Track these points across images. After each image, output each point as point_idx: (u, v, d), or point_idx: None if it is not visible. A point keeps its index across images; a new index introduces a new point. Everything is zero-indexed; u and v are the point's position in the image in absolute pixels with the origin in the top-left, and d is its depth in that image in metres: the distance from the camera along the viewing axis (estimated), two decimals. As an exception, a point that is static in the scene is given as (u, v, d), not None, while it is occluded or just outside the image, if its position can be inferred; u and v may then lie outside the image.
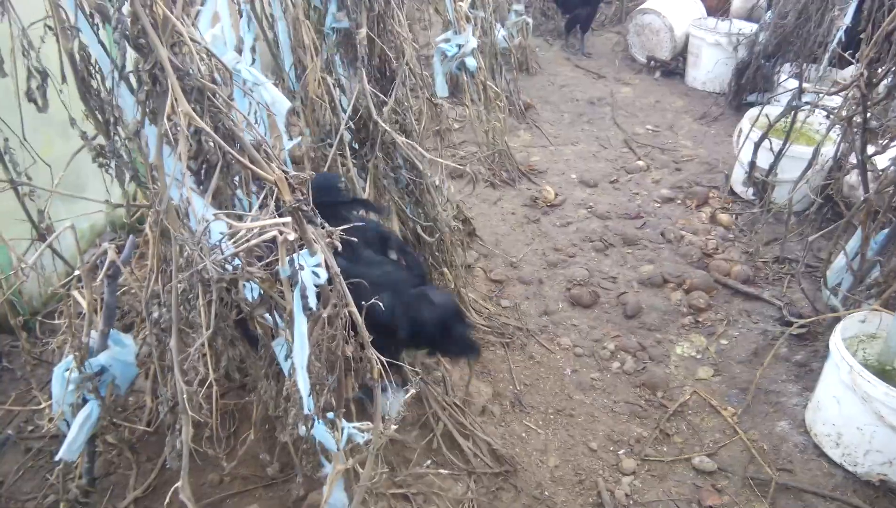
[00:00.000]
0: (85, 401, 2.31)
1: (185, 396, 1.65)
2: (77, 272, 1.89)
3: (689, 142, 5.39)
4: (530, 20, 5.94)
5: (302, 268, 1.64)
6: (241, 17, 2.44)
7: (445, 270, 3.30)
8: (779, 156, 4.07)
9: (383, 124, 2.70)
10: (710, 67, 6.02)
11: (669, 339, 3.44)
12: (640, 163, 4.98)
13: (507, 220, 4.24)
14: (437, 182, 3.30)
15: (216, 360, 1.95)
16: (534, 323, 3.47)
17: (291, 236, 1.54)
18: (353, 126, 2.83)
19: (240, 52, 2.39)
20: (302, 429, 1.85)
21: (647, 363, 3.26)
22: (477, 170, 4.60)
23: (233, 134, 1.53)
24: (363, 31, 2.61)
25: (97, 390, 2.27)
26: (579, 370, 3.20)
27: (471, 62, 4.33)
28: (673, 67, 6.42)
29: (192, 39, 1.42)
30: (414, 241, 3.24)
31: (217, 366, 1.88)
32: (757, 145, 4.11)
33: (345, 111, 2.77)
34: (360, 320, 1.77)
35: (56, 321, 2.40)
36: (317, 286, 1.75)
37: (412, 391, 2.20)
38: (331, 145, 2.74)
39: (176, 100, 1.42)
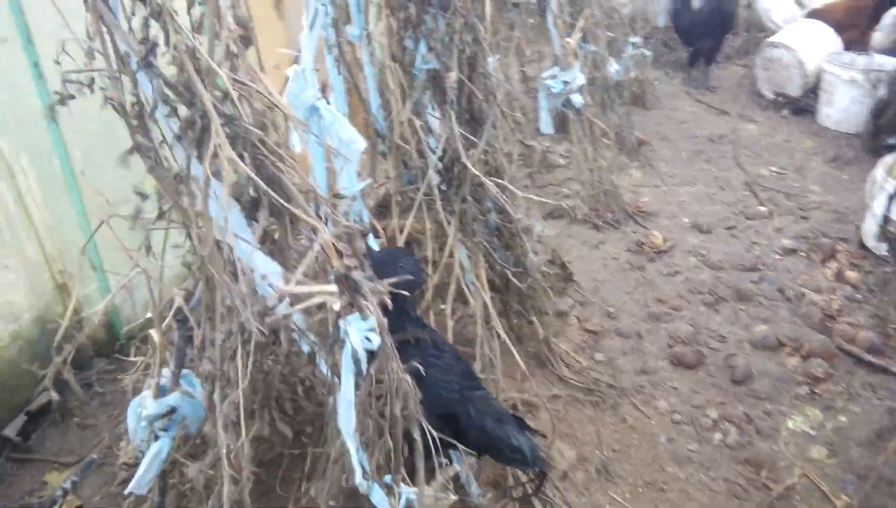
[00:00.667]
0: (157, 437, 2.33)
1: (224, 451, 1.59)
2: (148, 315, 1.89)
3: (817, 187, 4.95)
4: (648, 52, 5.68)
5: (349, 334, 1.55)
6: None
7: (534, 319, 3.14)
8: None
9: (472, 168, 2.59)
10: (844, 106, 5.54)
11: (780, 411, 3.10)
12: (762, 208, 4.61)
13: (609, 265, 4.02)
14: (529, 225, 3.16)
15: (267, 413, 1.90)
16: (629, 381, 3.23)
17: (337, 306, 1.45)
18: (441, 168, 2.75)
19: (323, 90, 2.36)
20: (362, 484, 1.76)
21: (752, 437, 2.95)
22: (579, 210, 4.40)
23: (280, 183, 1.47)
24: (454, 75, 2.51)
25: (167, 428, 2.28)
26: (676, 439, 2.94)
27: (577, 99, 4.17)
28: (803, 105, 5.96)
29: (240, 82, 1.37)
30: (502, 286, 3.11)
31: (263, 419, 1.82)
32: (892, 198, 3.69)
33: (433, 152, 2.68)
34: (413, 391, 1.66)
35: (132, 359, 2.43)
36: (368, 352, 1.66)
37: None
38: (418, 189, 2.66)
39: (220, 146, 1.37)
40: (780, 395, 3.18)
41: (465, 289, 2.77)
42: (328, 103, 2.21)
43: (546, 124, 4.29)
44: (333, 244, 1.48)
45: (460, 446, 2.05)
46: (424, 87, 2.68)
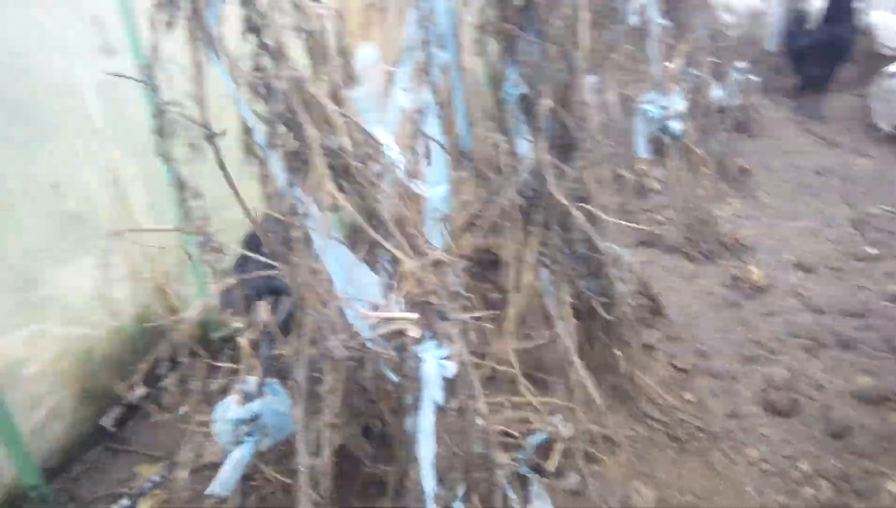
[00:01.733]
0: (241, 441, 2.39)
1: (304, 470, 1.61)
2: (237, 325, 1.94)
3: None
4: (755, 77, 5.46)
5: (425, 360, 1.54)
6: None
7: (617, 351, 3.05)
8: None
9: (559, 197, 2.55)
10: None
11: (881, 471, 2.89)
12: (871, 250, 4.34)
13: (701, 300, 3.87)
14: (618, 254, 3.08)
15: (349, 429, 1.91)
16: (718, 425, 3.09)
17: (414, 334, 1.45)
18: (528, 194, 2.71)
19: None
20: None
21: (848, 497, 2.76)
22: (672, 239, 4.27)
23: (375, 212, 1.48)
24: (545, 102, 2.48)
25: (251, 433, 2.34)
26: (764, 491, 2.79)
27: (675, 125, 4.05)
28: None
29: (344, 116, 1.39)
30: (587, 315, 3.03)
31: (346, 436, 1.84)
32: None
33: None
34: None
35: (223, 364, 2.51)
36: (445, 379, 1.65)
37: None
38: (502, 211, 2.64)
39: (321, 177, 1.39)
40: (882, 454, 2.97)
41: (548, 314, 2.72)
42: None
43: (642, 148, 4.19)
44: (413, 273, 1.48)
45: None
46: (514, 111, 2.65)
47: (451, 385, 1.69)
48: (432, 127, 2.65)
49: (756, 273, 4.00)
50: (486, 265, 3.32)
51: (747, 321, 3.71)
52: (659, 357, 3.45)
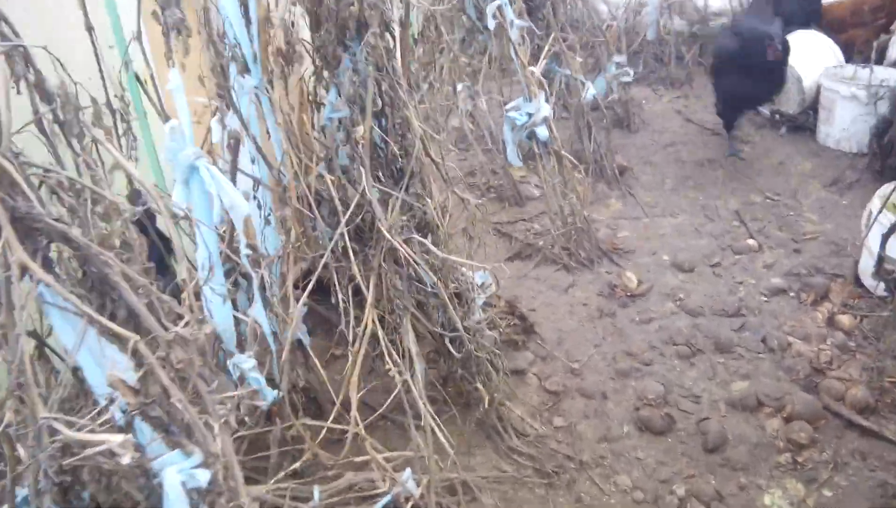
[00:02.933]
0: None
1: None
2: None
3: (814, 215, 4.58)
4: (631, 72, 5.34)
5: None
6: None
7: (479, 385, 2.84)
8: (918, 250, 3.28)
9: (387, 233, 2.30)
10: (845, 124, 5.15)
11: (757, 484, 2.77)
12: (751, 242, 4.26)
13: (577, 312, 3.69)
14: (475, 282, 2.86)
15: None
16: (589, 452, 2.92)
17: (126, 459, 1.17)
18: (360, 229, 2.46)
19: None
20: None
21: (723, 519, 2.63)
22: (548, 249, 4.09)
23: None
24: (360, 130, 2.23)
25: None
26: (635, 523, 2.63)
27: (542, 132, 3.87)
28: (801, 123, 5.56)
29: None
30: (446, 352, 2.81)
31: None
32: (885, 237, 3.33)
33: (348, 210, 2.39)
34: None
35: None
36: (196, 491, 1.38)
37: None
38: (331, 252, 2.38)
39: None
40: (758, 465, 2.85)
41: (392, 358, 2.47)
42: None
43: (513, 156, 4.00)
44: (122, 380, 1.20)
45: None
46: (337, 135, 2.40)
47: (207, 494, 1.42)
48: (248, 160, 2.38)
49: (632, 279, 3.86)
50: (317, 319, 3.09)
51: (622, 331, 3.56)
52: (531, 381, 3.27)
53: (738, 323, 3.58)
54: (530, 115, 3.86)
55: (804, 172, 5.02)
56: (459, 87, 4.52)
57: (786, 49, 4.72)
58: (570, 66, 4.47)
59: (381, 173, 2.52)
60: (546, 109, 3.86)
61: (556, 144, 3.93)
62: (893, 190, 3.52)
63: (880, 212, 3.41)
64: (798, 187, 4.87)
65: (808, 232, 4.38)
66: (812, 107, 5.56)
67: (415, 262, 2.38)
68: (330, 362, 3.23)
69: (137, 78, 2.65)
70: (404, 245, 2.35)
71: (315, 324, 3.12)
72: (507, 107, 3.95)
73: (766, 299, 3.78)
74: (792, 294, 3.82)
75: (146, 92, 2.57)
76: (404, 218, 2.42)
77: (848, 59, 5.87)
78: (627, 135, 5.50)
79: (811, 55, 5.58)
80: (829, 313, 3.62)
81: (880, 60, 5.66)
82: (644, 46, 6.42)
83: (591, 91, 4.60)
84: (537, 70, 3.90)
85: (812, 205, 4.69)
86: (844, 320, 3.55)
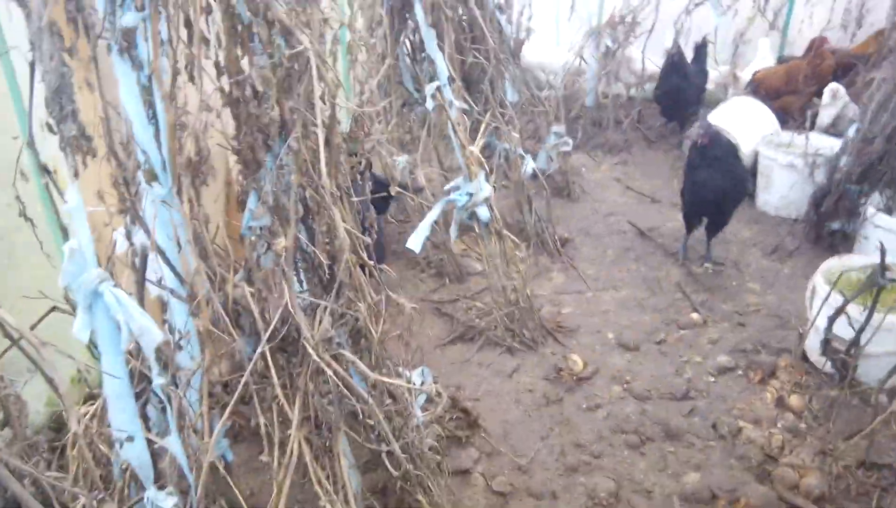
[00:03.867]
0: None
1: None
2: None
3: (756, 284, 4.57)
4: (570, 141, 5.33)
5: None
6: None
7: (420, 498, 2.64)
8: (861, 331, 3.25)
9: (313, 352, 2.12)
10: (783, 192, 5.21)
11: (715, 592, 2.63)
12: (695, 316, 4.20)
13: (522, 400, 3.54)
14: (408, 385, 2.68)
15: None
16: (538, 563, 2.74)
17: None
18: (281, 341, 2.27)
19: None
20: None
21: None
22: (493, 330, 3.95)
23: None
24: (281, 242, 2.06)
25: None
26: None
27: (483, 212, 3.76)
28: (740, 190, 5.63)
29: None
30: (383, 466, 2.60)
31: None
32: (832, 320, 3.31)
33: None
34: None
35: None
36: None
37: None
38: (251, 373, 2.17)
39: None
40: (716, 565, 2.71)
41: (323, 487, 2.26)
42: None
43: (418, 241, 3.87)
44: None
45: None
46: (258, 248, 2.21)
47: None
48: (161, 272, 2.18)
49: (578, 362, 3.74)
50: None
51: (570, 420, 3.41)
52: (476, 482, 3.08)
53: (687, 407, 3.47)
54: (471, 194, 3.76)
55: (744, 240, 5.04)
56: (399, 158, 4.41)
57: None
58: (510, 140, 4.40)
59: (308, 281, 2.35)
60: (487, 190, 3.76)
61: (497, 223, 3.82)
62: (839, 276, 3.50)
63: (829, 295, 3.36)
64: (739, 256, 4.87)
65: (751, 304, 4.35)
66: (751, 173, 5.62)
67: (344, 378, 2.19)
68: (260, 470, 2.99)
69: (46, 169, 2.44)
70: (333, 363, 2.17)
71: (242, 428, 2.90)
72: (447, 187, 3.84)
73: (713, 378, 3.70)
74: (739, 372, 3.75)
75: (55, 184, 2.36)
76: (332, 331, 2.24)
77: (783, 125, 6.01)
78: (568, 204, 5.45)
79: (749, 123, 5.68)
80: (777, 393, 3.55)
81: (812, 126, 5.79)
82: (583, 112, 6.45)
83: (530, 165, 4.54)
84: (476, 149, 3.81)
85: (754, 274, 4.68)
86: (794, 400, 3.48)
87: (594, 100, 6.43)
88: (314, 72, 2.08)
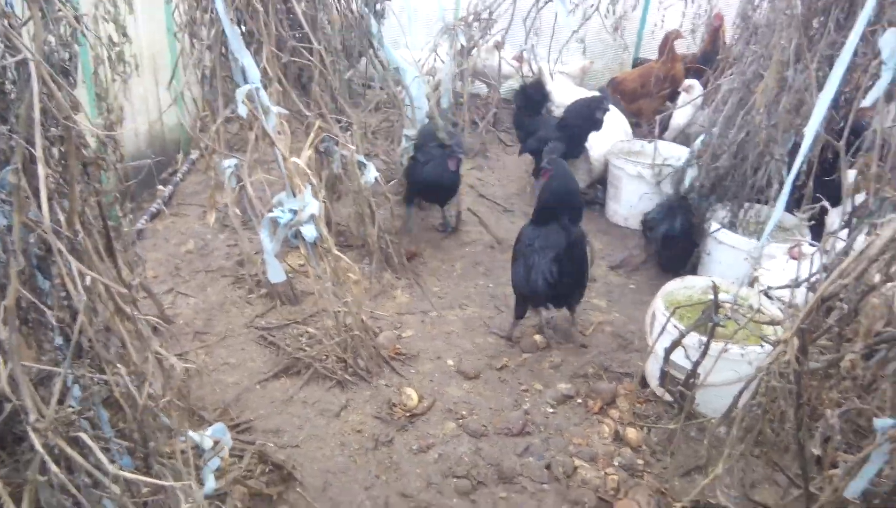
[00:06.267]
0: None
1: None
2: None
3: (602, 301, 4.46)
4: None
5: None
6: None
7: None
8: (697, 365, 3.16)
9: (37, 443, 1.68)
10: (632, 202, 5.16)
11: None
12: (538, 338, 4.02)
13: (348, 444, 3.21)
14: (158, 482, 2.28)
15: None
16: None
17: None
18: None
19: None
20: None
21: None
22: (324, 361, 3.59)
23: None
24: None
25: None
26: None
27: (309, 231, 3.38)
28: (591, 198, 5.55)
29: None
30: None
31: None
32: (668, 352, 3.19)
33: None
34: None
35: None
36: None
37: None
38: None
39: None
40: None
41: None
42: None
43: (275, 272, 3.48)
44: None
45: None
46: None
47: None
48: None
49: (413, 397, 3.45)
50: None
51: (398, 465, 3.12)
52: (284, 547, 2.73)
53: (522, 445, 3.26)
54: (294, 211, 3.37)
55: (592, 253, 4.92)
56: (225, 162, 3.94)
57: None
58: (347, 147, 4.03)
59: (45, 344, 1.90)
60: (314, 205, 3.39)
61: (326, 242, 3.45)
62: (676, 308, 3.39)
63: (668, 322, 3.24)
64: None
65: (596, 322, 4.23)
66: (600, 181, 5.55)
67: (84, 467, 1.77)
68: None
69: None
70: (69, 449, 1.74)
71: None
72: (274, 202, 3.44)
73: (552, 409, 3.52)
74: (579, 401, 3.60)
75: None
76: (70, 408, 1.80)
77: (637, 129, 6.00)
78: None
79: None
80: (616, 426, 3.41)
81: (663, 132, 5.78)
82: (439, 113, 6.15)
83: (371, 172, 4.19)
84: (303, 159, 3.42)
85: (600, 289, 4.58)
86: (631, 434, 3.36)
87: (449, 101, 6.14)
88: (35, 86, 1.64)
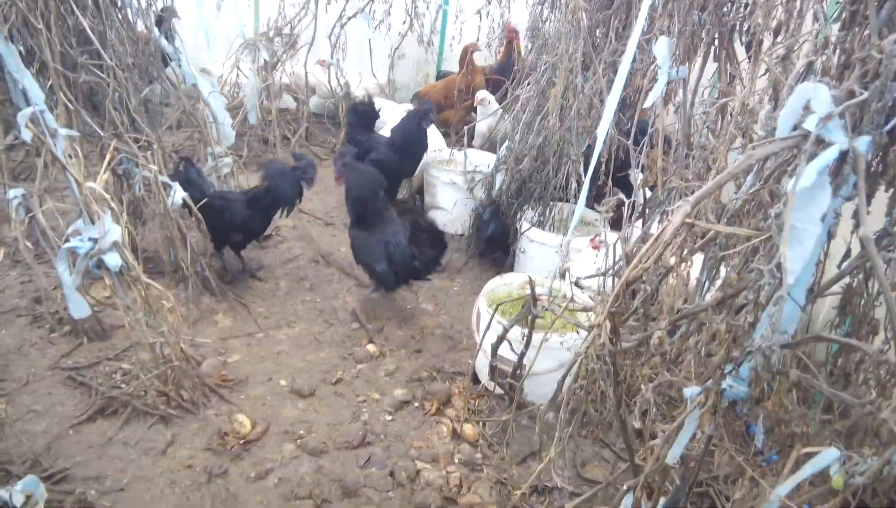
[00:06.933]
0: None
1: None
2: None
3: (429, 305, 4.56)
4: (230, 161, 4.85)
5: None
6: None
7: None
8: (522, 356, 3.31)
9: None
10: (448, 208, 5.32)
11: None
12: (371, 348, 4.02)
13: (179, 481, 3.00)
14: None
15: None
16: None
17: None
18: None
19: None
20: None
21: None
22: (143, 398, 3.34)
23: None
24: None
25: None
26: None
27: (112, 259, 3.12)
28: (411, 207, 5.65)
29: None
30: None
31: None
32: (495, 348, 3.32)
33: None
34: None
35: None
36: None
37: None
38: None
39: None
40: None
41: None
42: None
43: (77, 306, 3.18)
44: None
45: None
46: None
47: None
48: None
49: (245, 423, 3.30)
50: None
51: (237, 495, 2.97)
52: None
53: (364, 456, 3.24)
54: (94, 240, 3.10)
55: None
56: (11, 193, 3.56)
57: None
58: (148, 168, 3.78)
59: None
60: (115, 231, 3.13)
61: (134, 270, 3.21)
62: (498, 305, 3.53)
63: (492, 319, 3.37)
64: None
65: (425, 327, 4.30)
66: (419, 191, 5.67)
67: None
68: None
69: None
70: None
71: None
72: (66, 234, 3.14)
73: (390, 417, 3.53)
74: (416, 404, 3.64)
75: None
76: None
77: (446, 139, 6.19)
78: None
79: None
80: (452, 424, 3.49)
81: (471, 141, 6.01)
82: (248, 130, 5.97)
83: (178, 193, 3.96)
84: (99, 184, 3.16)
85: (426, 294, 4.67)
86: (468, 431, 3.45)
87: (256, 116, 5.97)
88: None
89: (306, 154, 6.21)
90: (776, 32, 2.42)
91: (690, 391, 2.16)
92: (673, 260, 2.34)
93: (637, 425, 2.21)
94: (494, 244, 4.92)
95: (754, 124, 2.64)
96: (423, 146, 5.35)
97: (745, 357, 1.95)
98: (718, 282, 2.34)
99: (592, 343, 2.25)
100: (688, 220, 1.77)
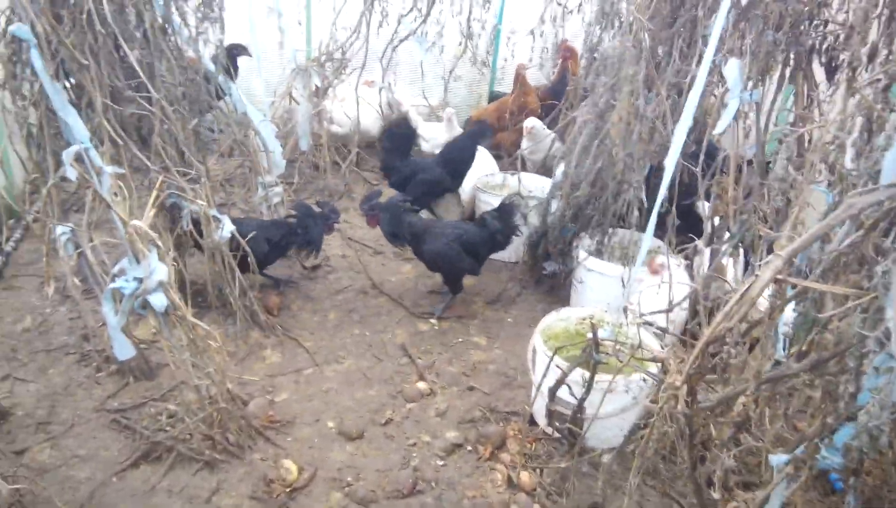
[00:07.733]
0: None
1: None
2: None
3: (482, 338, 4.37)
4: (281, 190, 4.78)
5: None
6: None
7: None
8: (582, 401, 3.10)
9: None
10: (501, 235, 5.12)
11: None
12: (422, 385, 3.86)
13: (223, 532, 2.90)
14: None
15: None
16: None
17: None
18: None
19: None
20: None
21: None
22: (188, 441, 3.24)
23: None
24: None
25: None
26: None
27: (158, 299, 3.05)
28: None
29: None
30: None
31: None
32: (553, 392, 3.12)
33: None
34: None
35: None
36: None
37: None
38: None
39: None
40: None
41: None
42: None
43: (122, 347, 3.11)
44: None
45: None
46: None
47: None
48: None
49: (292, 469, 3.17)
50: None
51: (282, 548, 2.84)
52: None
53: (415, 506, 3.07)
54: (140, 280, 3.03)
55: (468, 289, 4.83)
56: (59, 229, 3.54)
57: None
58: (196, 201, 3.71)
59: None
60: (161, 271, 3.06)
61: (180, 309, 3.13)
62: (557, 349, 3.34)
63: (551, 362, 3.17)
64: (464, 309, 4.65)
65: (477, 362, 4.12)
66: (471, 217, 5.51)
67: None
68: None
69: None
70: None
71: None
72: (112, 273, 3.08)
73: (442, 461, 3.36)
74: (469, 448, 3.46)
75: None
76: None
77: (499, 162, 6.02)
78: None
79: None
80: (508, 471, 3.30)
81: (524, 165, 5.83)
82: (299, 156, 5.92)
83: (227, 227, 3.89)
84: (145, 221, 3.09)
85: (478, 327, 4.49)
86: (524, 477, 3.25)
87: (308, 144, 5.91)
88: None
89: (356, 179, 6.15)
90: (871, 57, 2.18)
91: (777, 458, 1.94)
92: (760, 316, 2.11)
93: (716, 496, 1.99)
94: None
95: (841, 155, 2.40)
96: (470, 160, 5.25)
97: (839, 426, 1.73)
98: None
99: (667, 403, 2.05)
100: (779, 276, 1.56)
